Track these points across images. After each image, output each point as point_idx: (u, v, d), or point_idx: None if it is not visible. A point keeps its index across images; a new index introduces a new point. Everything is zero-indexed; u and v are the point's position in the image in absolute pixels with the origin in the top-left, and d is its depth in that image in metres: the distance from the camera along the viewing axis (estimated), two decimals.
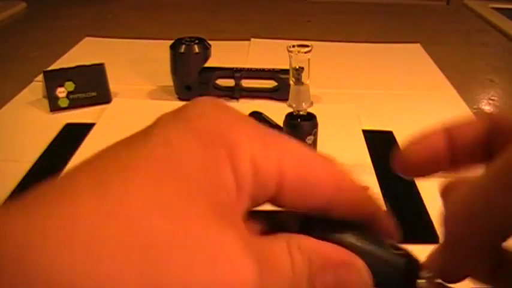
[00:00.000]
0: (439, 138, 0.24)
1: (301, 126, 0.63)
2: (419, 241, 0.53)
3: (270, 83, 0.86)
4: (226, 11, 1.47)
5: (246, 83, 0.86)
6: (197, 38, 0.85)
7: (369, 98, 0.88)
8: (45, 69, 0.87)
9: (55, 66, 0.97)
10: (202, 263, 0.17)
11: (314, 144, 0.64)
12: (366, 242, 0.22)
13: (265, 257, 0.19)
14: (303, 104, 0.64)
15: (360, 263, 0.20)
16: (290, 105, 0.64)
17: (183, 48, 0.83)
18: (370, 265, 0.21)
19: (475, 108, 0.87)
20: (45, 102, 0.82)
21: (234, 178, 0.18)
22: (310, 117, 0.64)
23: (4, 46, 1.17)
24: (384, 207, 0.24)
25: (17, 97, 0.88)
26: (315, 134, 0.64)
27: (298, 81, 0.67)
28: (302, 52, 0.65)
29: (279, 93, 0.84)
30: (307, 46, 0.66)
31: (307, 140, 0.63)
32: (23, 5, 1.43)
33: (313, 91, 0.68)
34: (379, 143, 0.72)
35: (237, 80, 0.85)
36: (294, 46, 0.66)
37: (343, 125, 0.78)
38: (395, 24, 1.38)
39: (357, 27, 1.33)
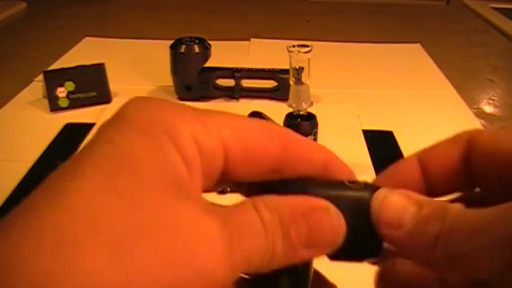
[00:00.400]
0: (411, 168, 0.24)
1: (301, 126, 0.63)
2: None
3: (270, 83, 0.87)
4: (226, 11, 1.47)
5: (246, 83, 0.86)
6: (197, 38, 0.85)
7: (369, 98, 0.89)
8: (45, 69, 0.87)
9: (55, 66, 0.97)
10: (166, 234, 0.17)
11: None
12: (327, 186, 0.22)
13: (230, 217, 0.19)
14: (303, 104, 0.64)
15: (326, 203, 0.21)
16: (290, 105, 0.64)
17: (183, 48, 0.83)
18: (341, 207, 0.21)
19: (475, 108, 0.87)
20: (45, 102, 0.83)
21: (181, 159, 0.19)
22: (310, 117, 0.64)
23: (4, 46, 1.17)
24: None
25: (17, 97, 0.88)
26: (315, 134, 0.64)
27: (298, 81, 0.67)
28: (302, 52, 0.65)
29: (279, 93, 0.84)
30: (307, 46, 0.66)
31: None
32: (23, 5, 1.43)
33: (313, 91, 0.68)
34: (379, 143, 0.72)
35: (237, 80, 0.85)
36: (294, 46, 0.66)
37: (343, 125, 0.78)
38: (395, 24, 1.38)
39: (357, 27, 1.33)
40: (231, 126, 0.21)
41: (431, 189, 0.24)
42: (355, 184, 0.23)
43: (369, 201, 0.22)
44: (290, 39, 0.89)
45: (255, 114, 0.73)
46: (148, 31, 1.25)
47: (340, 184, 0.23)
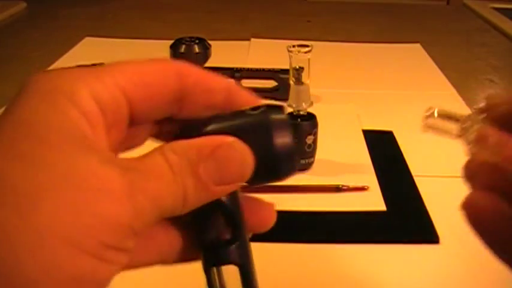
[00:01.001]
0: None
1: (301, 126, 0.63)
2: (419, 241, 0.53)
3: (270, 83, 0.87)
4: (226, 11, 1.47)
5: (246, 83, 0.86)
6: (197, 38, 0.85)
7: (369, 98, 0.89)
8: (45, 69, 0.87)
9: (55, 66, 0.97)
10: (68, 189, 0.18)
11: (314, 144, 0.64)
12: (229, 119, 0.23)
13: (133, 165, 0.20)
14: (303, 103, 0.64)
15: (231, 139, 0.22)
16: (290, 105, 0.65)
17: (183, 48, 0.83)
18: (246, 137, 0.22)
19: (475, 108, 0.87)
20: None
21: (81, 116, 0.20)
22: (310, 117, 0.64)
23: (4, 46, 1.17)
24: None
25: None
26: (315, 134, 0.64)
27: (298, 81, 0.67)
28: (302, 52, 0.65)
29: (279, 93, 0.84)
30: (307, 46, 0.66)
31: (307, 140, 0.63)
32: (23, 5, 1.43)
33: (313, 91, 0.68)
34: (379, 143, 0.72)
35: (237, 80, 0.85)
36: (294, 46, 0.66)
37: (343, 125, 0.78)
38: (395, 24, 1.38)
39: (357, 27, 1.33)
40: (128, 73, 0.22)
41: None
42: (256, 110, 0.24)
43: (270, 124, 0.23)
44: (290, 39, 0.89)
45: None
46: (148, 31, 1.25)
47: (242, 113, 0.24)
